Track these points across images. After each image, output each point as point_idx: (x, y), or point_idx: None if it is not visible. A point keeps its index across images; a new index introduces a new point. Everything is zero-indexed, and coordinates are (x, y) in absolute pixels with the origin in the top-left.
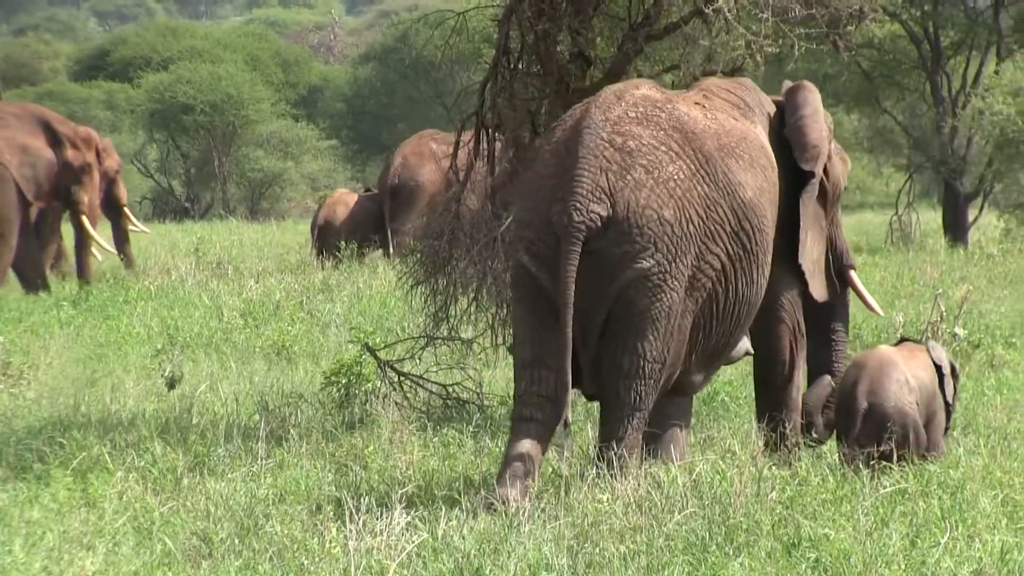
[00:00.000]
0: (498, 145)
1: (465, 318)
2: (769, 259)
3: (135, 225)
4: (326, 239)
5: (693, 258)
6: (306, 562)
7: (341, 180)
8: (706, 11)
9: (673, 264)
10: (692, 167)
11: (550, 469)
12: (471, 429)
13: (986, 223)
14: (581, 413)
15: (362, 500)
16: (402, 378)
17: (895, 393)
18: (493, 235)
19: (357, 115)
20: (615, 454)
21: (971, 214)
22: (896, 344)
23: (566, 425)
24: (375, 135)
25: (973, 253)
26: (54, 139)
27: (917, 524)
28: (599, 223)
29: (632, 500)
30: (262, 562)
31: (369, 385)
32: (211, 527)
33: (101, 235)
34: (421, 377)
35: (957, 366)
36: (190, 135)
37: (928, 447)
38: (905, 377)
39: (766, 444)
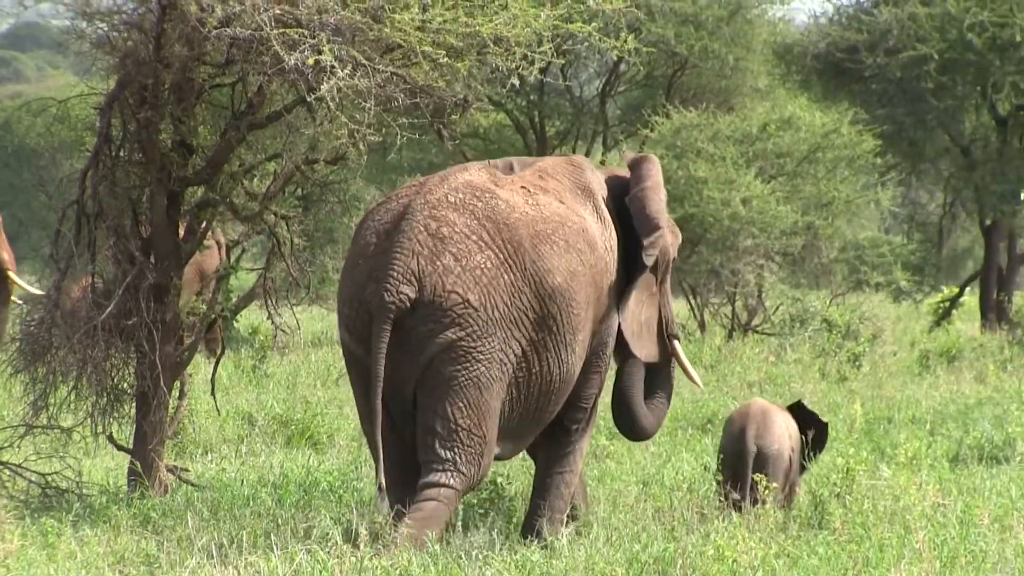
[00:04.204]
0: (99, 233)
1: (65, 406)
2: (582, 336)
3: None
4: None
5: (500, 341)
6: None
7: None
8: (309, 99)
9: (478, 341)
10: (500, 256)
11: (148, 557)
12: (71, 518)
13: None
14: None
15: None
16: (0, 467)
17: (779, 438)
18: (93, 323)
19: None
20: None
21: None
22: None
23: (380, 491)
24: None
25: None
26: None
27: None
28: (408, 304)
29: None
30: None
31: None
32: None
33: None
34: (19, 466)
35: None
36: None
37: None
38: (786, 425)
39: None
